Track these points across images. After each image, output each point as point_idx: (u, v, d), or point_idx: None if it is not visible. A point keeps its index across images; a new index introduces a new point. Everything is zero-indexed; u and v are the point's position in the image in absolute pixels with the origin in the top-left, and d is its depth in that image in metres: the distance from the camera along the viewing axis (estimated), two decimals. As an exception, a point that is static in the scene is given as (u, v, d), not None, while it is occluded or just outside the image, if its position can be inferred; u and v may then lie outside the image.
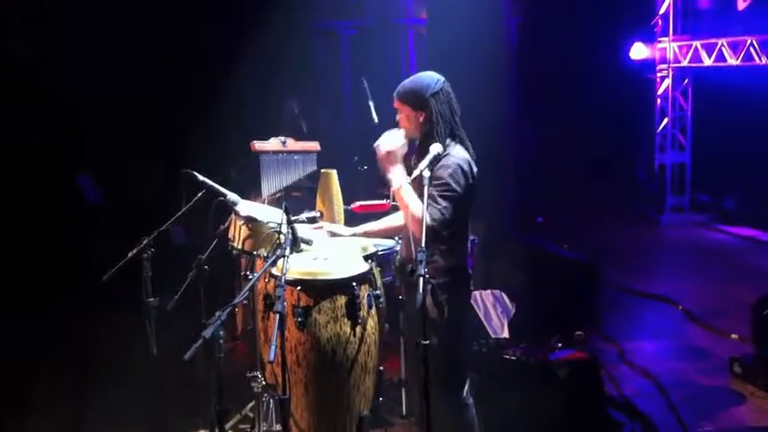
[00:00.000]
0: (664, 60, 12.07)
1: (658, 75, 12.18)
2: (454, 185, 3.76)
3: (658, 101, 12.24)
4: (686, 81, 12.12)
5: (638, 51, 12.18)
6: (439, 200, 3.72)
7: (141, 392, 4.72)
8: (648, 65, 12.25)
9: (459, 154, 3.84)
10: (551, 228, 9.09)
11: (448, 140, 3.88)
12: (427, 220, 3.58)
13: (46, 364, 6.05)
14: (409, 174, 3.85)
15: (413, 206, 3.73)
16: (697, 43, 11.43)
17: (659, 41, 12.08)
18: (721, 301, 7.69)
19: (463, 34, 9.19)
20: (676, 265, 9.56)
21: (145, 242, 3.99)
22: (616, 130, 12.32)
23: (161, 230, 4.06)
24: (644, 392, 5.64)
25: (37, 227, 7.66)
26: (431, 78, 3.93)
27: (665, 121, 12.17)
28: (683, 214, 12.07)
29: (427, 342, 3.36)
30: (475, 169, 3.87)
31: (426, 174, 3.64)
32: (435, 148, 3.80)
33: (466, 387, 4.12)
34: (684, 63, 11.79)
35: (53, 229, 7.72)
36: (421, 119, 3.89)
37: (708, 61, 11.21)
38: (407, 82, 3.97)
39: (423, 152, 3.86)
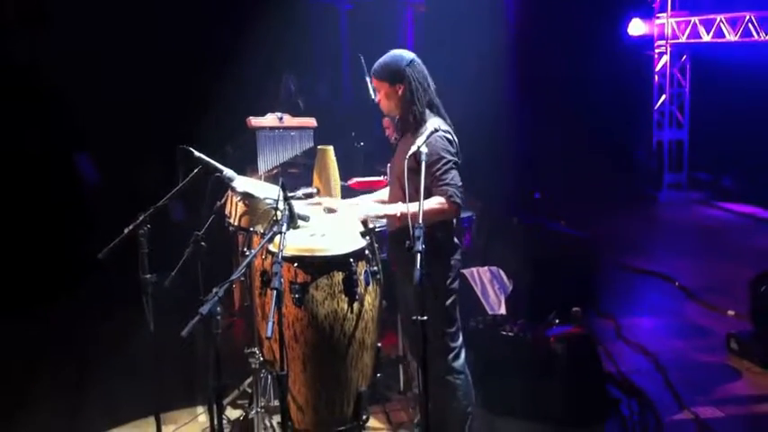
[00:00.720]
0: (662, 36, 12.02)
1: (656, 51, 12.14)
2: (450, 157, 3.88)
3: (656, 77, 12.21)
4: (684, 57, 12.08)
5: (637, 27, 12.12)
6: (446, 177, 3.84)
7: (140, 369, 4.72)
8: (646, 41, 12.21)
9: (438, 124, 3.93)
10: (549, 205, 9.07)
11: (426, 111, 3.99)
12: (441, 201, 3.80)
13: (43, 344, 6.06)
14: (393, 152, 4.01)
15: (427, 209, 3.71)
16: (695, 19, 11.38)
17: (657, 17, 12.03)
18: (719, 278, 7.70)
19: (462, 12, 9.17)
20: (674, 243, 9.57)
21: (141, 218, 3.98)
22: (614, 107, 12.28)
23: (157, 206, 4.05)
24: (641, 369, 5.67)
25: (37, 223, 7.65)
26: (403, 52, 4.09)
27: (663, 97, 12.15)
28: (681, 191, 12.08)
29: (425, 318, 3.35)
30: (455, 138, 3.98)
31: (424, 149, 3.66)
32: (432, 124, 3.88)
33: (462, 356, 4.15)
34: (683, 39, 11.75)
35: (53, 224, 7.71)
36: (400, 91, 4.00)
37: (706, 37, 11.17)
38: (381, 60, 4.09)
39: (404, 127, 4.05)
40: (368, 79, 4.72)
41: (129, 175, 8.44)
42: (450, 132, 3.97)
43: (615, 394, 5.20)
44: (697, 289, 7.36)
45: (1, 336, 6.11)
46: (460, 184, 3.89)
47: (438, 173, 3.84)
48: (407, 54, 4.07)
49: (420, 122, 3.98)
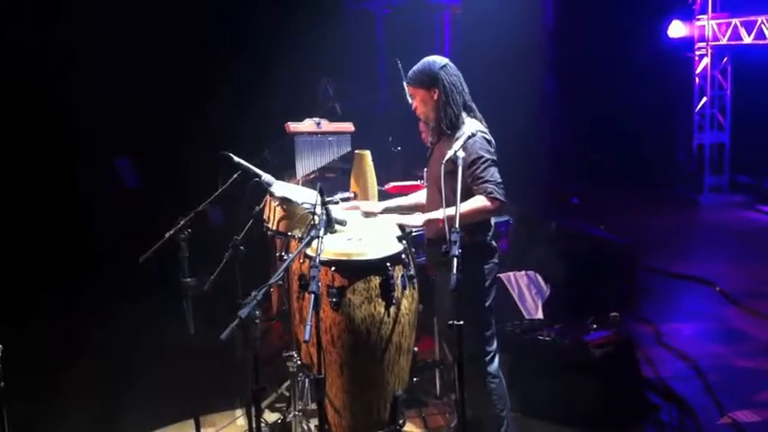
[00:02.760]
0: (702, 38, 11.87)
1: (697, 53, 11.99)
2: (488, 156, 3.91)
3: (697, 80, 12.06)
4: (725, 59, 11.92)
5: (676, 29, 11.99)
6: (485, 174, 3.86)
7: (179, 372, 4.78)
8: (687, 43, 12.06)
9: (474, 127, 3.96)
10: (588, 209, 9.02)
11: (462, 114, 4.02)
12: (484, 201, 3.82)
13: (85, 347, 6.14)
14: (429, 157, 4.10)
15: (468, 210, 3.77)
16: (736, 21, 11.23)
17: (698, 19, 11.88)
18: (761, 283, 7.59)
19: (498, 13, 9.13)
20: (715, 247, 9.44)
21: (182, 223, 4.03)
22: (654, 109, 12.16)
23: (198, 211, 4.10)
24: (681, 375, 5.60)
25: (74, 222, 7.77)
26: (436, 57, 4.12)
27: (704, 100, 12.00)
28: (723, 194, 11.92)
29: (461, 323, 3.35)
30: (492, 139, 4.00)
31: (461, 154, 3.69)
32: (469, 127, 3.90)
33: (496, 360, 4.14)
34: (723, 41, 11.59)
35: (91, 224, 7.82)
36: (435, 96, 4.03)
37: (747, 39, 11.02)
38: (415, 67, 4.12)
39: (440, 130, 4.06)
40: (405, 84, 4.75)
41: (170, 180, 8.53)
42: (486, 133, 3.99)
43: (654, 400, 5.15)
44: (738, 293, 7.25)
45: (41, 337, 6.19)
46: (500, 180, 3.89)
47: (477, 171, 3.86)
48: (441, 59, 4.09)
49: (456, 125, 3.99)
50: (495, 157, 3.94)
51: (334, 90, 7.91)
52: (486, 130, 4.00)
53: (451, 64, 4.09)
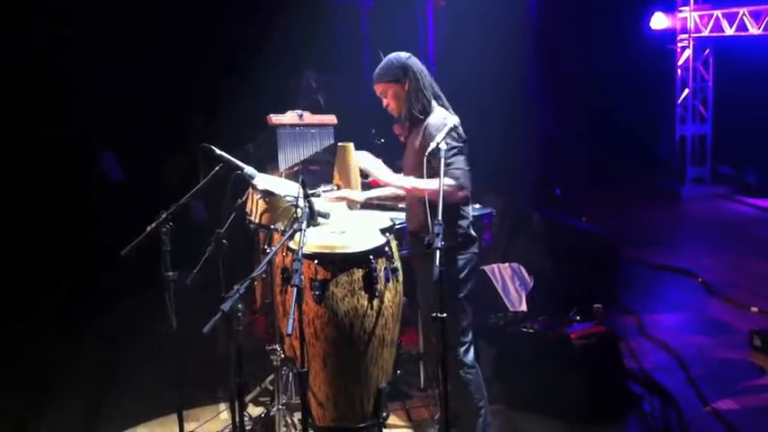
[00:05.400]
0: (684, 30, 11.91)
1: (679, 45, 12.03)
2: (456, 143, 3.92)
3: (679, 71, 12.10)
4: (707, 51, 11.97)
5: (659, 21, 12.02)
6: (454, 163, 3.88)
7: (161, 366, 4.76)
8: (669, 35, 12.09)
9: (441, 115, 4.01)
10: (570, 201, 9.04)
11: (433, 103, 4.07)
12: (451, 183, 3.81)
13: (69, 343, 6.12)
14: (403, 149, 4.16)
15: (426, 185, 3.74)
16: (718, 12, 11.27)
17: (680, 11, 11.91)
18: (742, 274, 7.64)
19: (483, 6, 9.13)
20: (697, 238, 9.50)
21: (163, 216, 4.00)
22: (636, 101, 12.20)
23: (179, 204, 4.07)
24: (663, 366, 5.63)
25: (58, 210, 7.72)
26: (398, 53, 4.15)
27: (686, 92, 12.04)
28: (704, 186, 11.98)
29: (444, 315, 3.35)
30: (460, 129, 4.00)
31: (443, 146, 3.69)
32: (452, 120, 3.91)
33: (472, 351, 4.15)
34: (705, 33, 11.64)
35: (74, 211, 7.78)
36: (406, 86, 4.07)
37: (729, 31, 11.06)
38: (381, 65, 4.17)
39: (412, 122, 4.09)
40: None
41: (150, 172, 8.50)
42: (453, 122, 3.97)
43: (637, 391, 5.18)
44: (720, 285, 7.30)
45: (22, 335, 6.16)
46: (468, 168, 3.95)
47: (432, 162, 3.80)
48: (404, 53, 4.15)
49: (428, 112, 4.05)
50: (462, 145, 3.96)
51: (318, 82, 7.89)
52: (456, 120, 3.99)
53: (414, 57, 4.15)
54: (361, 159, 4.30)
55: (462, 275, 4.06)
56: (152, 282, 4.28)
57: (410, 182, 4.02)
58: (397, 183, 4.13)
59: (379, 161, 4.28)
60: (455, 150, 3.90)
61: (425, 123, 4.00)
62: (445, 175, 3.77)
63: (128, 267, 4.20)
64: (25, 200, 7.58)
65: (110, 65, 8.21)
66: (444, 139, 3.74)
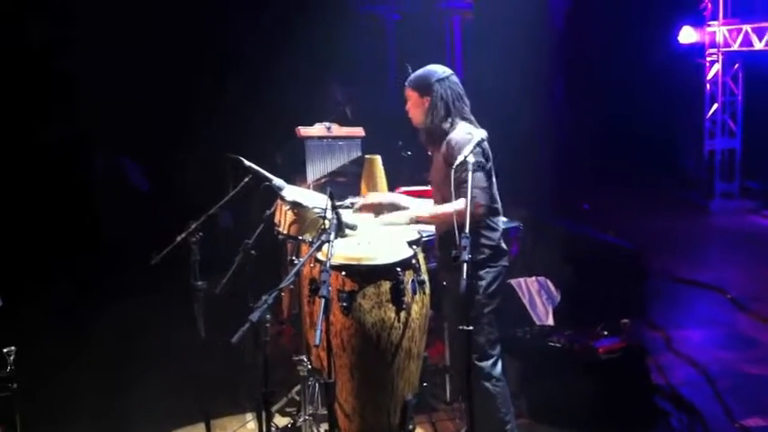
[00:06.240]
0: (713, 44, 11.85)
1: (708, 59, 11.96)
2: (477, 159, 3.89)
3: (708, 86, 12.02)
4: (736, 66, 11.89)
5: (687, 35, 11.96)
6: (472, 180, 3.78)
7: (189, 375, 4.79)
8: (697, 49, 12.03)
9: (465, 130, 4.02)
10: (597, 214, 9.00)
11: (457, 119, 4.08)
12: (480, 202, 3.85)
13: (96, 348, 6.16)
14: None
15: (442, 210, 3.92)
16: (747, 27, 11.20)
17: (708, 25, 11.85)
18: (770, 289, 7.57)
19: (509, 19, 9.13)
20: (725, 253, 9.42)
21: (193, 226, 4.04)
22: (664, 115, 12.14)
23: (209, 214, 4.11)
24: (691, 381, 5.59)
25: (82, 213, 7.80)
26: (438, 67, 4.19)
27: (715, 106, 11.97)
28: (733, 201, 11.88)
29: (471, 328, 3.36)
30: (486, 144, 4.02)
31: (471, 159, 3.69)
32: (479, 134, 3.91)
33: (500, 364, 4.15)
34: (735, 47, 11.57)
35: (98, 216, 7.85)
36: (426, 103, 4.11)
37: (759, 45, 10.99)
38: (418, 71, 4.21)
39: (430, 138, 4.15)
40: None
41: (176, 164, 8.58)
42: (478, 137, 3.95)
43: (664, 406, 5.14)
44: (748, 300, 7.23)
45: (45, 340, 6.20)
46: (485, 185, 3.94)
47: (462, 175, 3.79)
48: (443, 70, 4.17)
49: (447, 130, 4.06)
50: (482, 161, 3.95)
51: (344, 94, 7.93)
52: (483, 134, 3.97)
53: (453, 78, 4.16)
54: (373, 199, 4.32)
55: (492, 289, 4.07)
56: (180, 289, 4.31)
57: (427, 210, 4.11)
58: (416, 214, 4.14)
59: (396, 200, 4.30)
60: (474, 166, 3.87)
61: (447, 138, 4.03)
62: (462, 193, 3.79)
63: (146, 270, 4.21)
64: (27, 200, 7.64)
65: (138, 72, 8.27)
66: (472, 152, 3.75)
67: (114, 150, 8.84)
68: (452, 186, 3.69)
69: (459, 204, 3.80)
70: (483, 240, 4.01)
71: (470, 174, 3.64)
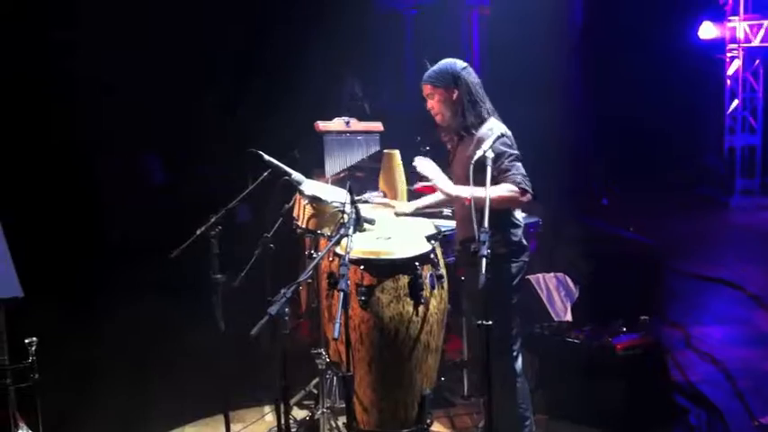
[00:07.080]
0: (734, 40, 11.75)
1: (728, 55, 11.87)
2: (512, 151, 3.92)
3: (728, 82, 11.94)
4: (757, 61, 11.79)
5: (707, 31, 11.86)
6: (512, 168, 3.87)
7: (207, 368, 4.81)
8: (718, 45, 11.93)
9: (487, 126, 3.98)
10: (616, 211, 8.97)
11: (485, 114, 4.03)
12: (513, 189, 3.83)
13: (116, 341, 6.19)
14: (451, 160, 4.13)
15: (497, 196, 3.77)
16: (768, 22, 11.12)
17: (729, 21, 11.75)
18: (792, 287, 7.50)
19: (527, 13, 9.10)
20: (745, 250, 9.33)
21: (212, 220, 4.06)
22: (684, 111, 12.05)
23: (228, 208, 4.12)
24: (710, 379, 5.55)
25: (98, 209, 7.84)
26: (455, 60, 4.13)
27: (736, 102, 11.88)
28: (754, 197, 11.78)
29: (490, 323, 3.35)
30: (510, 136, 4.00)
31: (490, 155, 3.66)
32: (499, 129, 3.87)
33: (520, 360, 4.14)
34: (755, 43, 11.48)
35: (115, 210, 7.88)
36: (455, 96, 4.03)
37: (780, 41, 10.91)
38: (434, 67, 4.12)
39: (458, 131, 4.06)
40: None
41: (195, 157, 8.60)
42: (509, 133, 4.00)
43: (683, 404, 5.11)
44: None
45: (66, 333, 6.24)
46: (526, 174, 3.91)
47: (503, 165, 3.86)
48: (461, 62, 4.12)
49: (478, 125, 4.01)
50: (517, 152, 3.95)
51: (362, 89, 7.93)
52: (503, 128, 3.98)
53: (471, 68, 4.12)
54: (420, 166, 4.19)
55: (514, 283, 4.06)
56: (199, 282, 4.33)
57: (470, 191, 3.79)
58: (456, 192, 4.01)
59: (438, 169, 4.17)
60: (512, 157, 3.90)
61: (477, 136, 3.96)
62: (506, 181, 3.83)
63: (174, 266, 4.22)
64: (52, 198, 7.67)
65: (158, 69, 8.30)
66: (492, 147, 3.72)
67: (136, 148, 8.88)
68: (488, 178, 3.59)
69: (509, 188, 3.82)
70: (506, 236, 3.99)
71: (489, 168, 3.59)
